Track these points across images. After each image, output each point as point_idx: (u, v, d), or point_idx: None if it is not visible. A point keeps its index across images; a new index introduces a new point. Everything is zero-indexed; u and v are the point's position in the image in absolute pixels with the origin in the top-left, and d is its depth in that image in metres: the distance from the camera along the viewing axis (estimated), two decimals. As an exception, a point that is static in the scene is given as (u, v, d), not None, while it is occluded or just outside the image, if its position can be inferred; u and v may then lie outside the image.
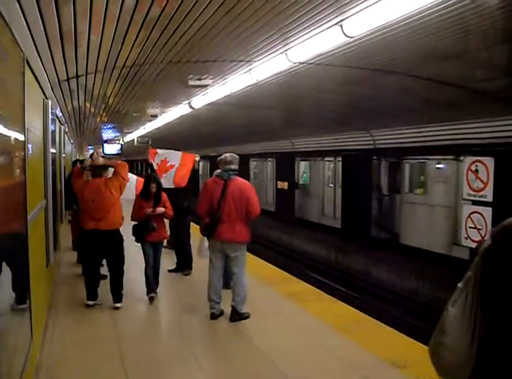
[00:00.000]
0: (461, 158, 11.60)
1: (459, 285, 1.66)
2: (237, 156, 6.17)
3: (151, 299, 6.76)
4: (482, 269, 1.59)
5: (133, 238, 6.95)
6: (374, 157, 14.70)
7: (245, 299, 6.03)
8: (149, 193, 6.93)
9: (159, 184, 7.05)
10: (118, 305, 6.45)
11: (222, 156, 6.12)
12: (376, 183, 15.13)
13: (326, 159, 18.78)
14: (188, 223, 8.54)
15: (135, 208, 7.00)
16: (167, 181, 8.27)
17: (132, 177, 9.18)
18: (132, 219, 6.94)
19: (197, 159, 8.87)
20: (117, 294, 6.50)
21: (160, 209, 6.89)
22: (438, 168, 13.32)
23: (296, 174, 20.75)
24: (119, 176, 6.62)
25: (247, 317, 6.03)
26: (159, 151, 8.91)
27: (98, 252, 6.55)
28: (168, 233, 7.68)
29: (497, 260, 1.55)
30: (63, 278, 8.05)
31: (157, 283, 7.04)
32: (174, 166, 8.66)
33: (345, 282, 13.86)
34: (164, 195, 7.10)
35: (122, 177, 6.64)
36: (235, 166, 6.06)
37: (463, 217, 9.51)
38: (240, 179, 6.05)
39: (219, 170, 6.11)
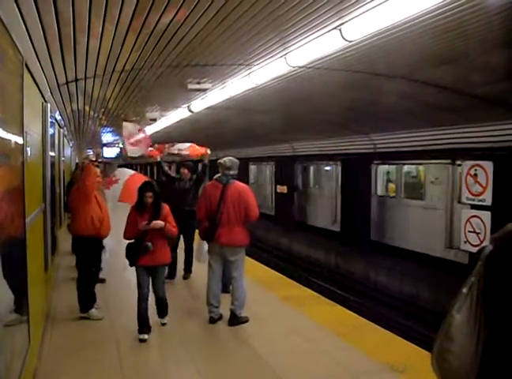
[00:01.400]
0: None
1: (463, 290, 1.65)
2: (236, 161, 6.17)
3: (142, 341, 5.54)
4: (484, 275, 1.58)
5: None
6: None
7: (244, 303, 6.03)
8: (144, 204, 5.60)
9: (157, 193, 5.65)
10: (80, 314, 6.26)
11: (221, 161, 6.12)
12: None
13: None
14: (194, 226, 8.00)
15: (128, 222, 5.71)
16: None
17: (124, 172, 8.34)
18: (124, 237, 5.72)
19: (209, 152, 8.54)
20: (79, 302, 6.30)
21: (158, 223, 5.51)
22: (327, 170, 18.05)
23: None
24: (80, 180, 6.22)
25: (246, 321, 6.02)
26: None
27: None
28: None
29: (499, 266, 1.54)
30: (62, 282, 8.03)
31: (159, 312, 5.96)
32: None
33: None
34: (166, 207, 5.74)
35: (81, 181, 6.16)
36: (234, 172, 6.07)
37: (462, 221, 9.51)
38: (239, 183, 6.05)
39: (218, 174, 6.12)
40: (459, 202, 10.85)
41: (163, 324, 5.97)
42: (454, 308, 1.65)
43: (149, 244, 5.48)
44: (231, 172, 6.06)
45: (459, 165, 10.90)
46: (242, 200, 5.87)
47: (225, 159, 6.14)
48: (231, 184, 5.97)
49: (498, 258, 1.55)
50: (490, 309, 1.57)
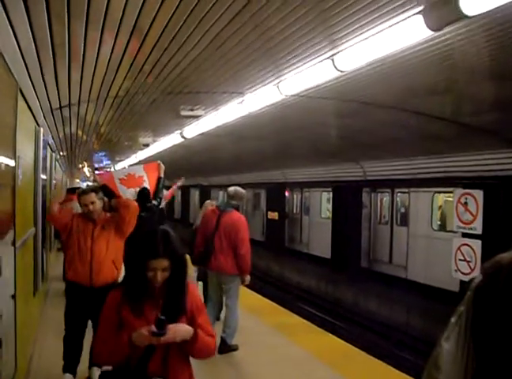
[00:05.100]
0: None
1: (452, 320, 1.65)
2: (242, 191, 6.23)
3: None
4: (473, 305, 1.58)
5: None
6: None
7: (235, 332, 5.98)
8: (148, 284, 2.45)
9: (181, 259, 2.52)
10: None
11: (228, 189, 6.27)
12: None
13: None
14: None
15: (102, 325, 2.55)
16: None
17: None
18: (98, 360, 3.01)
19: (162, 165, 8.08)
20: None
21: (181, 330, 2.43)
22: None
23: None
24: None
25: (236, 349, 5.96)
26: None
27: None
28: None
29: (488, 297, 1.54)
30: (50, 306, 7.91)
31: None
32: (143, 177, 7.68)
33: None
34: (196, 292, 2.73)
35: None
36: (235, 202, 6.15)
37: (452, 249, 9.51)
38: (236, 213, 6.09)
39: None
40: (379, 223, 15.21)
41: None
42: (443, 337, 1.65)
43: None
44: (233, 202, 6.14)
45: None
46: (233, 231, 5.89)
47: (231, 188, 6.27)
48: (227, 212, 6.02)
49: (488, 289, 1.55)
50: (478, 339, 1.57)
